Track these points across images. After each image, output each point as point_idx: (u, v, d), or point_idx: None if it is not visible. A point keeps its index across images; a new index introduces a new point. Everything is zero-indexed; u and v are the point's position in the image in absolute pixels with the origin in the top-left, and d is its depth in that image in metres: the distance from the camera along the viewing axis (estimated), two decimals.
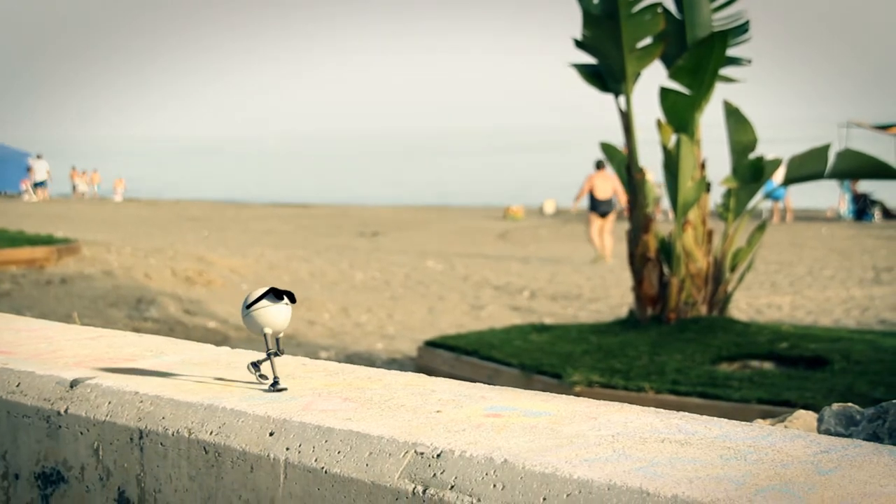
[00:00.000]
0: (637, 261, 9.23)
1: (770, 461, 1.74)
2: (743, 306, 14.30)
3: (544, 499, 1.70)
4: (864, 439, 2.46)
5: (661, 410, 2.08)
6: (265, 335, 2.20)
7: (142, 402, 2.32)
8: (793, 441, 1.85)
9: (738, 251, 9.44)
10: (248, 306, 2.21)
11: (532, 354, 8.24)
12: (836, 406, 2.52)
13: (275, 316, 2.20)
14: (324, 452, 1.98)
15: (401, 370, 7.12)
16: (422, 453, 1.87)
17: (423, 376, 2.43)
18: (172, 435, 2.21)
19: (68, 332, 3.14)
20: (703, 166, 9.28)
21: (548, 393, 2.25)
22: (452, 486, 1.80)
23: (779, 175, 17.60)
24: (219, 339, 13.07)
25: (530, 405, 2.13)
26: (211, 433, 2.16)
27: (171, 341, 2.95)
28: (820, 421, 2.52)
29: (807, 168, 9.10)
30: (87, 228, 24.95)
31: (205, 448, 2.15)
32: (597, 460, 1.76)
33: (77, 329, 3.21)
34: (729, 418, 5.43)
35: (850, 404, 2.50)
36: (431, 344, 9.26)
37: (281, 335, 2.25)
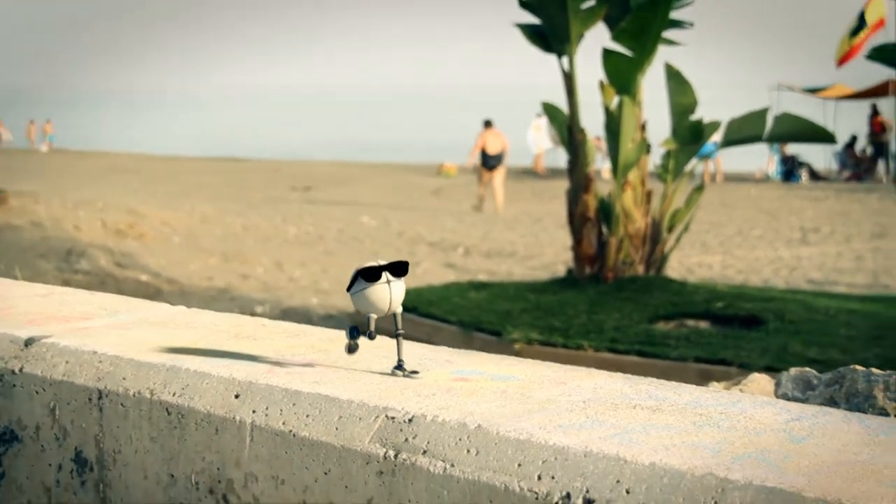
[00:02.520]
0: (576, 220, 9.26)
1: (743, 428, 1.75)
2: (674, 265, 14.41)
3: (519, 465, 1.70)
4: (821, 404, 2.49)
5: (630, 376, 2.08)
6: (368, 318, 2.01)
7: (101, 362, 2.28)
8: (763, 408, 1.86)
9: (675, 212, 9.51)
10: (350, 287, 2.01)
11: (471, 312, 8.26)
12: (793, 371, 2.54)
13: (380, 297, 2.01)
14: (291, 416, 1.96)
15: (337, 326, 7.09)
16: (393, 418, 1.86)
17: (385, 339, 2.41)
18: (133, 396, 2.18)
19: (17, 289, 3.09)
20: (643, 128, 9.32)
21: (514, 357, 2.24)
22: (425, 451, 1.79)
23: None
24: (151, 292, 12.97)
25: (497, 369, 2.12)
26: (174, 394, 2.13)
27: (124, 300, 2.91)
28: (778, 385, 2.54)
29: (745, 131, 9.17)
30: (12, 179, 24.57)
31: (167, 409, 2.12)
32: (571, 426, 1.76)
33: (26, 285, 3.16)
34: (667, 377, 5.47)
35: (807, 369, 2.53)
36: None
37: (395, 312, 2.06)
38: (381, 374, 2.10)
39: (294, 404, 1.98)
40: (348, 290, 2.01)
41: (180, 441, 2.10)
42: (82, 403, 2.27)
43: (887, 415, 2.36)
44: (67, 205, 18.89)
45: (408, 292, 6.86)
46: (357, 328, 2.07)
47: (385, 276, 1.99)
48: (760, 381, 2.81)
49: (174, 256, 15.45)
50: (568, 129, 9.34)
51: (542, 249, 16.64)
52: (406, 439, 1.82)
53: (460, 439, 1.78)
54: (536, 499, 1.65)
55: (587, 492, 1.62)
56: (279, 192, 26.08)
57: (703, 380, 6.71)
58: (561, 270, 13.61)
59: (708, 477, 1.55)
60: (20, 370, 2.38)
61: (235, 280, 13.81)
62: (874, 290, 12.38)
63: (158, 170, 32.69)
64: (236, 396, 2.05)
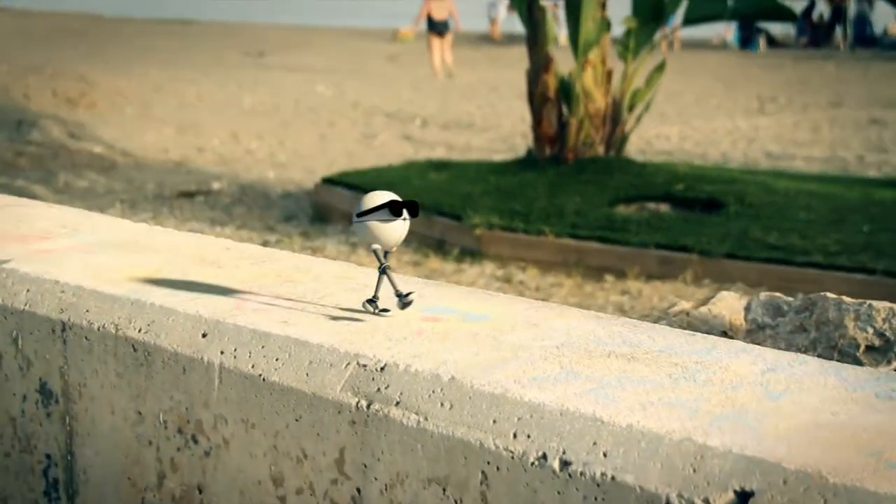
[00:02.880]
0: (536, 100, 9.18)
1: (719, 382, 1.73)
2: (633, 139, 14.41)
3: (494, 421, 1.68)
4: (791, 331, 2.48)
5: (603, 316, 2.06)
6: (374, 251, 1.96)
7: (63, 292, 2.24)
8: (738, 356, 1.85)
9: (636, 91, 9.44)
10: (360, 214, 1.92)
11: (431, 194, 8.21)
12: (763, 296, 2.53)
13: (388, 234, 1.93)
14: (261, 359, 1.93)
15: (296, 206, 7.03)
16: (364, 365, 1.83)
17: (352, 266, 2.37)
18: (98, 330, 2.14)
19: None
20: (604, 6, 9.19)
21: (483, 290, 2.21)
22: (398, 403, 1.77)
23: None
24: (106, 165, 12.82)
25: (467, 306, 2.09)
26: (139, 331, 2.09)
27: (83, 214, 2.85)
28: (747, 310, 2.53)
29: (707, 9, 9.07)
30: None
31: (133, 346, 2.09)
32: (545, 379, 1.74)
33: None
34: (628, 262, 5.48)
35: (777, 294, 2.52)
36: (328, 181, 9.16)
37: (393, 250, 1.99)
38: (350, 311, 2.06)
39: (263, 346, 1.94)
40: (359, 215, 1.92)
41: (147, 378, 2.07)
42: (45, 334, 2.23)
43: (858, 345, 2.36)
44: (15, 71, 18.53)
45: (366, 172, 6.86)
46: (373, 299, 2.01)
47: (405, 213, 1.93)
48: (729, 300, 2.81)
49: (128, 127, 15.25)
50: (527, 8, 9.20)
51: (500, 120, 16.54)
52: (378, 389, 1.79)
53: (434, 391, 1.75)
54: (512, 458, 1.64)
55: (563, 453, 1.60)
56: (232, 57, 25.71)
57: (663, 266, 6.75)
58: (519, 143, 13.55)
59: (686, 442, 1.54)
60: None
61: (191, 152, 13.66)
62: (831, 163, 12.43)
63: (108, 32, 32.09)
64: (203, 335, 2.02)
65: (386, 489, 1.78)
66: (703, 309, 2.73)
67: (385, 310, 2.00)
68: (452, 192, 8.31)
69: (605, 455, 1.58)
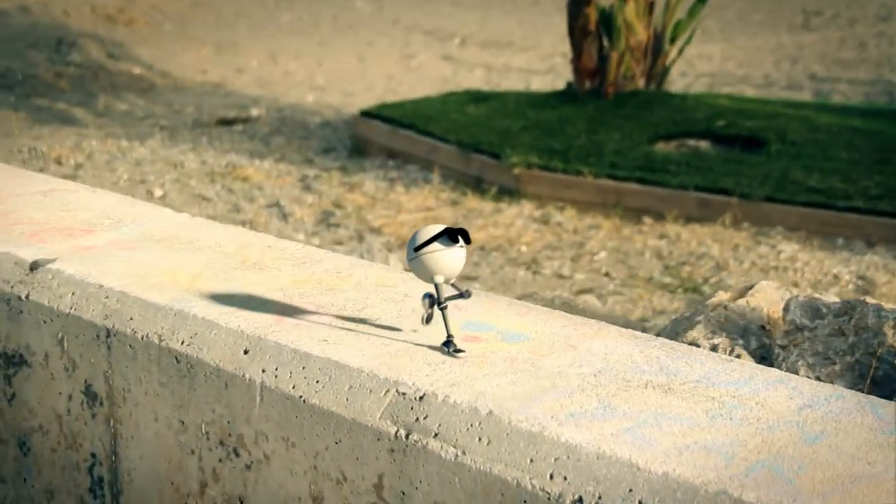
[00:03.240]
0: (577, 33, 9.09)
1: (756, 420, 1.75)
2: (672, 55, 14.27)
3: (531, 461, 1.70)
4: (829, 334, 2.49)
5: (640, 337, 2.07)
6: (435, 285, 1.91)
7: (107, 297, 2.27)
8: (775, 389, 1.86)
9: (678, 23, 9.34)
10: (417, 249, 1.90)
11: (470, 130, 8.18)
12: (802, 298, 2.53)
13: (447, 263, 1.89)
14: (301, 380, 1.96)
15: (335, 136, 6.99)
16: (404, 394, 1.86)
17: (393, 272, 2.39)
18: (142, 339, 2.17)
19: (16, 181, 3.05)
20: None
21: (522, 303, 2.23)
22: (436, 435, 1.79)
23: None
24: (145, 86, 12.84)
25: (507, 324, 2.11)
26: (182, 343, 2.12)
27: (126, 202, 2.87)
28: (786, 311, 2.54)
29: None
30: None
31: (176, 357, 2.12)
32: (583, 415, 1.76)
33: (26, 177, 3.12)
34: (667, 205, 5.46)
35: (815, 296, 2.52)
36: (366, 114, 9.15)
37: (453, 281, 1.94)
38: (389, 329, 2.08)
39: (304, 368, 1.97)
40: (416, 249, 1.90)
41: (190, 390, 2.11)
42: (90, 339, 2.26)
43: (895, 355, 2.37)
44: None
45: (404, 105, 6.82)
46: (431, 294, 1.95)
47: (461, 240, 1.89)
48: (767, 290, 2.81)
49: (166, 46, 15.23)
50: None
51: (540, 38, 16.39)
52: (417, 419, 1.82)
53: (472, 425, 1.78)
54: (549, 499, 1.66)
55: (599, 498, 1.63)
56: None
57: (702, 209, 6.72)
58: (558, 64, 13.46)
59: (722, 496, 1.55)
60: (26, 297, 2.37)
61: (230, 74, 13.64)
62: (877, 87, 12.28)
63: None
64: (245, 352, 2.05)
65: None
66: (741, 301, 2.74)
67: (459, 350, 1.96)
68: (491, 127, 8.28)
69: (640, 503, 1.60)
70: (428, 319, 1.97)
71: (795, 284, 5.83)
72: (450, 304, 2.02)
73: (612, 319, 3.31)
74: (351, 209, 7.40)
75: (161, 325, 2.16)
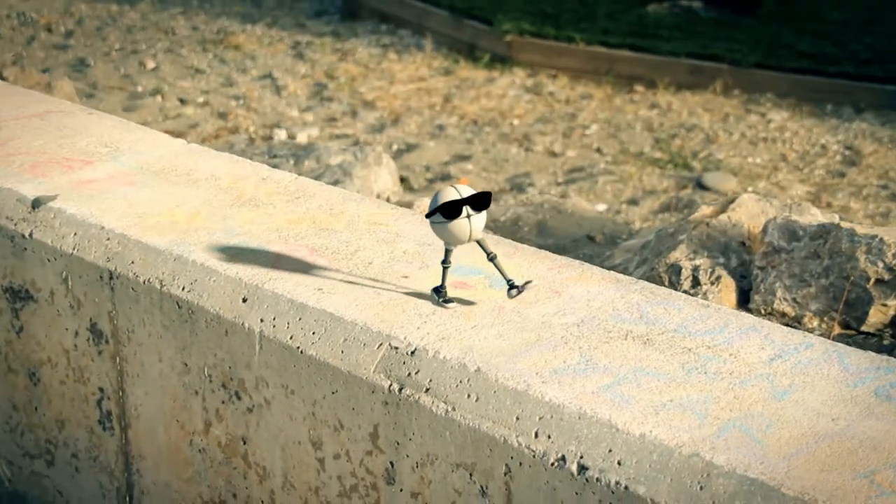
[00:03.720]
0: None
1: (728, 374, 1.84)
2: None
3: (517, 418, 1.80)
4: (805, 256, 2.58)
5: (622, 279, 2.15)
6: (447, 250, 2.00)
7: (108, 239, 2.35)
8: (748, 337, 1.95)
9: None
10: (429, 215, 1.96)
11: None
12: (780, 219, 2.61)
13: (459, 232, 1.95)
14: (298, 330, 2.05)
15: None
16: (396, 348, 1.95)
17: (384, 207, 2.46)
18: (144, 283, 2.26)
19: (11, 101, 3.09)
20: None
21: (509, 243, 2.30)
22: (428, 390, 1.89)
23: None
24: None
25: (494, 267, 2.18)
26: (183, 289, 2.21)
27: (123, 127, 2.92)
28: (764, 233, 2.62)
29: None
30: None
31: (177, 303, 2.21)
32: (566, 372, 1.86)
33: (20, 97, 3.16)
34: (658, 72, 5.50)
35: (793, 218, 2.60)
36: None
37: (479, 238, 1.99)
38: (381, 276, 2.16)
39: (300, 318, 2.06)
40: (427, 216, 1.98)
41: (192, 335, 2.20)
42: (94, 279, 2.35)
43: (868, 278, 2.46)
44: None
45: None
46: (438, 288, 2.04)
47: (466, 210, 1.93)
48: (748, 204, 2.89)
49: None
50: None
51: None
52: (409, 374, 1.92)
53: (461, 382, 1.88)
54: (534, 456, 1.77)
55: (581, 457, 1.73)
56: None
57: (693, 76, 6.75)
58: None
59: (694, 458, 1.66)
60: (30, 235, 2.44)
61: None
62: None
63: None
64: (244, 300, 2.13)
65: (417, 466, 1.92)
66: (723, 217, 2.82)
67: (449, 300, 2.04)
68: None
69: (619, 464, 1.71)
70: (446, 301, 2.04)
71: (784, 157, 5.90)
72: (439, 246, 2.12)
73: (600, 223, 3.39)
74: (344, 80, 7.40)
75: (162, 270, 2.25)
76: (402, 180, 5.53)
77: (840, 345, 1.95)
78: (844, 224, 2.53)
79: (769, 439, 1.69)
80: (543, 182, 5.52)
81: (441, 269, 2.03)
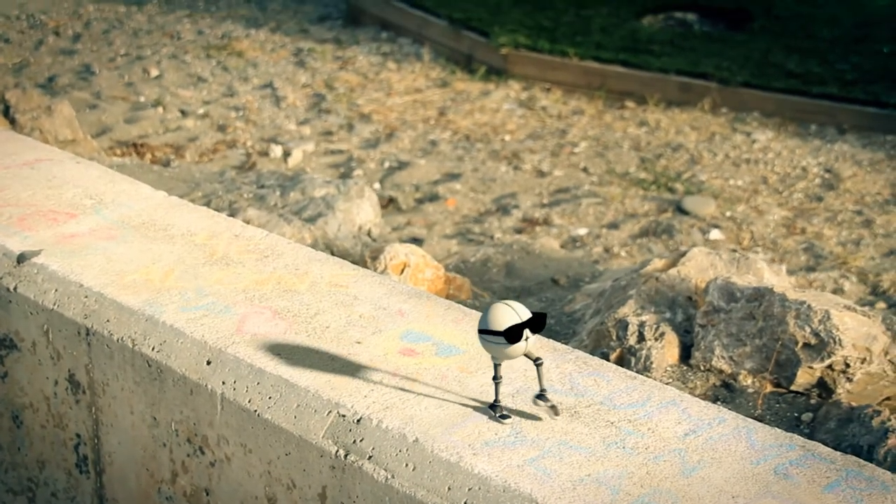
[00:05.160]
0: None
1: (644, 449, 2.01)
2: None
3: (449, 489, 1.97)
4: (742, 317, 2.73)
5: (559, 348, 2.31)
6: (496, 365, 2.02)
7: (87, 297, 2.52)
8: (667, 411, 2.11)
9: None
10: (481, 331, 1.96)
11: (461, 4, 8.29)
12: (719, 280, 2.77)
13: (511, 352, 1.95)
14: (256, 395, 2.22)
15: (330, 1, 7.04)
16: (343, 416, 2.12)
17: (346, 269, 2.62)
18: (117, 341, 2.43)
19: (5, 147, 3.26)
20: None
21: (458, 308, 2.46)
22: (370, 457, 2.06)
23: None
24: None
25: (442, 334, 2.35)
26: (152, 349, 2.38)
27: (108, 178, 3.08)
28: (706, 292, 2.78)
29: None
30: None
31: (148, 362, 2.38)
32: (496, 444, 2.02)
33: (13, 144, 3.32)
34: (649, 88, 5.64)
35: (732, 280, 2.76)
36: None
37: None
38: (336, 335, 2.33)
39: (258, 383, 2.23)
40: (480, 331, 1.96)
41: (160, 392, 2.37)
42: (72, 334, 2.52)
43: (797, 342, 2.62)
44: None
45: None
46: (493, 404, 2.07)
47: (525, 333, 1.93)
48: (698, 257, 3.05)
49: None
50: None
51: None
52: (354, 441, 2.09)
53: (400, 451, 2.04)
54: None
55: None
56: None
57: (683, 93, 6.89)
58: None
59: None
60: (14, 289, 2.61)
61: None
62: None
63: None
64: (208, 363, 2.31)
65: None
66: (673, 271, 2.98)
67: (505, 416, 2.06)
68: (481, 1, 8.38)
69: None
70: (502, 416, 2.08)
71: (765, 180, 6.04)
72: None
73: (566, 265, 3.55)
74: (342, 91, 7.56)
75: (134, 330, 2.42)
76: (391, 201, 5.70)
77: (750, 421, 2.11)
78: (777, 289, 2.69)
79: None
80: (528, 203, 5.68)
81: (493, 384, 2.05)
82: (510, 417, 2.07)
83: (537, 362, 2.03)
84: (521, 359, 2.02)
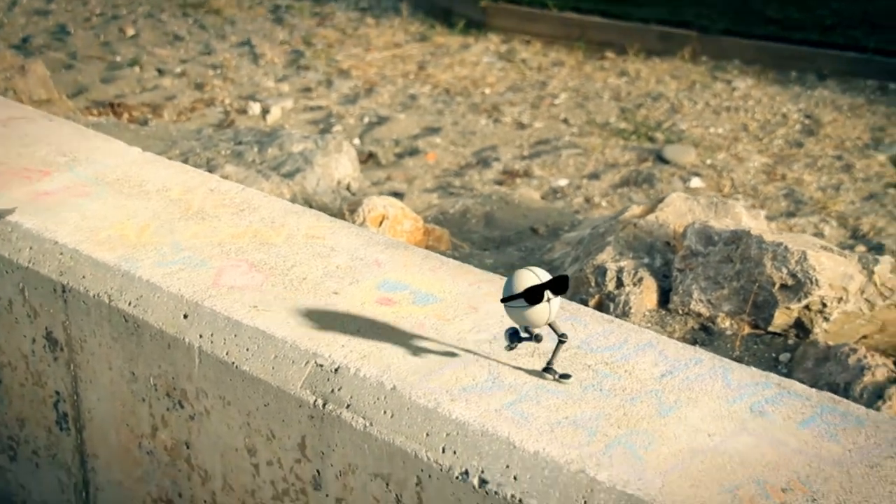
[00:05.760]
0: None
1: (621, 391, 2.01)
2: None
3: (427, 434, 1.98)
4: (720, 261, 2.74)
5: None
6: (523, 334, 1.98)
7: (62, 254, 2.51)
8: (644, 354, 2.12)
9: None
10: (504, 300, 1.94)
11: None
12: (697, 225, 2.77)
13: (536, 317, 1.93)
14: (234, 346, 2.22)
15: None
16: (321, 365, 2.12)
17: (323, 221, 2.61)
18: (93, 297, 2.42)
19: None
20: None
21: (435, 257, 2.46)
22: (349, 406, 2.06)
23: None
24: None
25: (419, 283, 2.35)
26: (129, 304, 2.37)
27: (80, 135, 3.07)
28: (683, 237, 2.78)
29: None
30: None
31: (124, 317, 2.38)
32: (474, 389, 2.02)
33: None
34: (629, 38, 5.62)
35: (709, 224, 2.76)
36: None
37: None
38: (313, 286, 2.32)
39: (235, 335, 2.23)
40: (503, 300, 1.94)
41: (138, 347, 2.37)
42: (48, 292, 2.51)
43: (773, 283, 2.62)
44: None
45: None
46: (516, 332, 2.01)
47: (546, 294, 1.91)
48: (676, 203, 3.05)
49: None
50: None
51: None
52: (332, 390, 2.09)
53: (378, 399, 2.05)
54: (441, 470, 1.94)
55: (482, 472, 1.91)
56: None
57: (663, 42, 6.87)
58: None
59: (580, 475, 1.83)
60: None
61: None
62: None
63: None
64: (185, 317, 2.30)
65: (340, 475, 2.10)
66: (651, 217, 2.98)
67: (565, 375, 2.03)
68: None
69: (515, 478, 1.88)
70: (509, 349, 2.05)
71: (745, 127, 6.04)
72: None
73: (545, 214, 3.54)
74: (321, 47, 7.52)
75: (110, 286, 2.41)
76: (371, 156, 5.68)
77: (727, 360, 2.12)
78: (754, 231, 2.69)
79: (649, 456, 1.86)
80: (509, 156, 5.67)
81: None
82: (570, 377, 2.02)
83: (562, 339, 1.99)
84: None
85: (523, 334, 1.97)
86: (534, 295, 1.90)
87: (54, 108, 4.47)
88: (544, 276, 1.92)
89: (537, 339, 1.96)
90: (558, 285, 1.91)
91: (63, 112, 4.53)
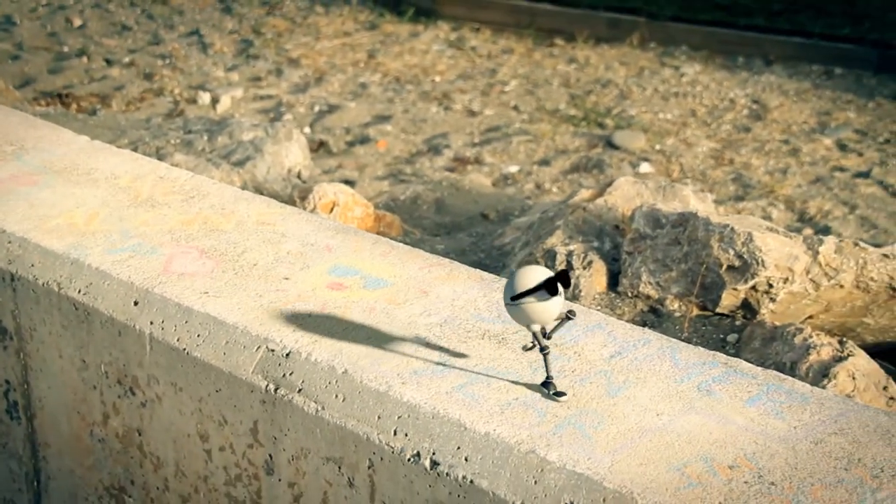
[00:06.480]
0: None
1: (571, 371, 2.03)
2: None
3: (379, 417, 1.99)
4: (667, 243, 2.77)
5: (486, 277, 2.33)
6: (533, 332, 1.92)
7: (10, 242, 2.50)
8: (594, 335, 2.14)
9: None
10: (514, 298, 1.87)
11: None
12: (645, 208, 2.80)
13: (545, 314, 1.88)
14: (185, 333, 2.22)
15: None
16: (272, 350, 2.13)
17: (273, 207, 2.62)
18: (43, 286, 2.41)
19: None
20: None
21: (385, 241, 2.47)
22: (300, 390, 2.07)
23: None
24: None
25: (370, 268, 2.36)
26: (79, 292, 2.37)
27: (28, 123, 3.05)
28: (632, 220, 2.81)
29: None
30: None
31: (74, 305, 2.37)
32: (425, 373, 2.04)
33: None
34: (578, 25, 5.62)
35: (657, 207, 2.78)
36: None
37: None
38: (264, 272, 2.33)
39: (186, 322, 2.23)
40: (512, 299, 1.88)
41: (88, 334, 2.36)
42: None
43: (721, 264, 2.65)
44: None
45: None
46: (546, 381, 1.97)
47: (558, 285, 1.83)
48: (624, 187, 3.07)
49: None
50: None
51: None
52: (284, 375, 2.09)
53: (329, 383, 2.05)
54: (393, 452, 1.96)
55: (434, 454, 1.92)
56: None
57: (612, 28, 6.90)
58: None
59: (531, 455, 1.85)
60: None
61: None
62: None
63: None
64: (135, 304, 2.30)
65: (292, 459, 2.11)
66: (600, 201, 3.01)
67: (560, 393, 1.96)
68: None
69: (466, 459, 1.89)
70: (528, 349, 2.02)
71: (693, 112, 6.08)
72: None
73: (495, 200, 3.56)
74: (270, 36, 7.50)
75: (59, 274, 2.40)
76: (322, 144, 5.68)
77: (675, 341, 2.14)
78: (701, 213, 2.72)
79: (599, 435, 1.88)
80: (459, 143, 5.69)
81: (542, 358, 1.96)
82: (566, 395, 1.95)
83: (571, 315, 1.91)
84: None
85: (543, 342, 1.91)
86: (552, 286, 1.82)
87: (1, 99, 4.44)
88: (546, 270, 1.87)
89: (572, 315, 1.89)
90: (561, 281, 1.84)
91: (10, 103, 4.49)
